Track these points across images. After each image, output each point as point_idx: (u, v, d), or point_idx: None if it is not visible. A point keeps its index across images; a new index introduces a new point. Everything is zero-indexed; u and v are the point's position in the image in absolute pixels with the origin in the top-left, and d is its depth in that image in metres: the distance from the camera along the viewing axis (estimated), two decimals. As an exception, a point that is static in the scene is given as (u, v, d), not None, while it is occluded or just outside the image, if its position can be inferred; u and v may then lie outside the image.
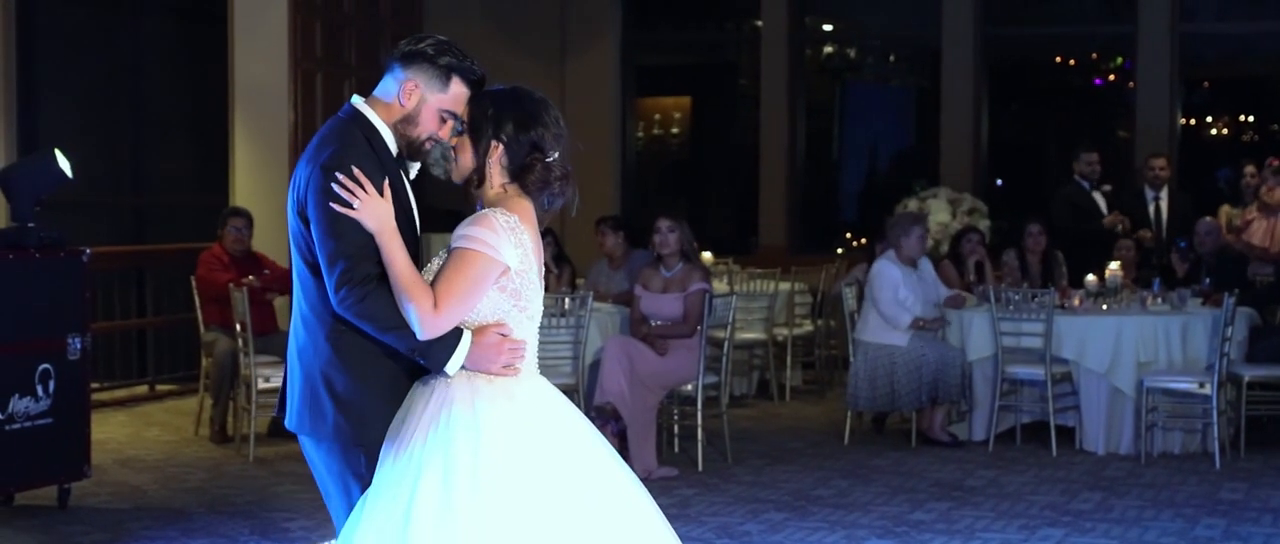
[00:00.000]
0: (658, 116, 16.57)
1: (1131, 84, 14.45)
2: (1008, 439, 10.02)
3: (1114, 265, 10.56)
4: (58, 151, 7.96)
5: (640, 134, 16.10)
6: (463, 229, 3.96)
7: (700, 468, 9.12)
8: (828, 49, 16.38)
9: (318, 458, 4.23)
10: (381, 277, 3.98)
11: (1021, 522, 7.82)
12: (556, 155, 4.09)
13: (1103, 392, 9.74)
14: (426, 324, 3.90)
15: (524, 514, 3.80)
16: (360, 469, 4.11)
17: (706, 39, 16.75)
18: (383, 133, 4.19)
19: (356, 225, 3.97)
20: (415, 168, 4.31)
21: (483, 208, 4.05)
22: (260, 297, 10.14)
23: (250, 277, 10.16)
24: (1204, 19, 14.65)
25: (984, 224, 12.66)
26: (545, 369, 9.53)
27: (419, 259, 4.20)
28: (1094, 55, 15.73)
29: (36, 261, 7.85)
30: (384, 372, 4.09)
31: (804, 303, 12.63)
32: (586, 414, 9.10)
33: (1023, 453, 9.74)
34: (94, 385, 9.14)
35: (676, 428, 9.72)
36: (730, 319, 9.56)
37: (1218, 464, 9.27)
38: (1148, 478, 8.98)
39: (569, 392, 9.17)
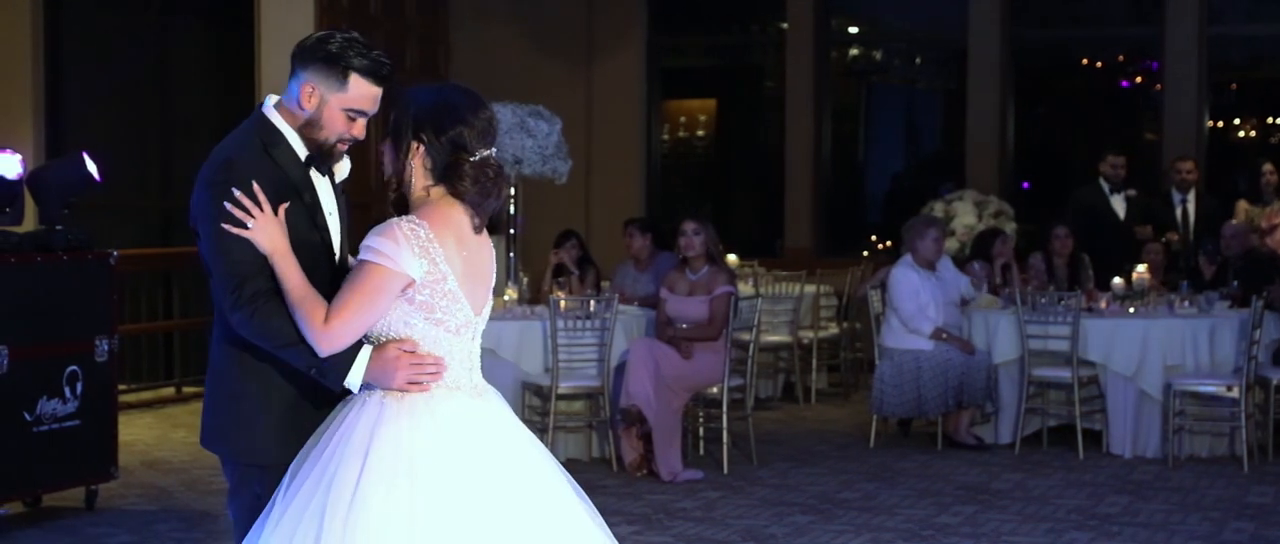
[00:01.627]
0: (683, 119, 16.56)
1: (1159, 86, 14.39)
2: (1034, 442, 10.00)
3: (1141, 268, 10.53)
4: (86, 154, 7.99)
5: (666, 136, 16.10)
6: (367, 239, 3.79)
7: (725, 471, 9.11)
8: (853, 51, 16.35)
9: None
10: (275, 291, 3.83)
11: (1048, 525, 7.79)
12: (487, 153, 3.90)
13: (1130, 395, 9.71)
14: (320, 339, 3.74)
15: None
16: (256, 488, 4.01)
17: (732, 41, 16.73)
18: (289, 138, 4.03)
19: (241, 245, 3.83)
20: (344, 169, 4.15)
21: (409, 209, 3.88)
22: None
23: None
24: (1232, 21, 14.57)
25: (1010, 227, 12.63)
26: (571, 371, 9.54)
27: (345, 263, 4.10)
28: (1121, 57, 15.67)
29: (64, 264, 7.89)
30: (282, 394, 3.98)
31: (829, 305, 12.62)
32: (612, 417, 9.15)
33: (1049, 456, 9.72)
34: (121, 387, 9.18)
35: (702, 430, 9.71)
36: (755, 322, 9.55)
37: (1246, 468, 9.23)
38: (1175, 481, 8.95)
39: (594, 394, 9.19)
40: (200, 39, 14.49)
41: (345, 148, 4.07)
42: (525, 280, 10.52)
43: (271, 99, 4.10)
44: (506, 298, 10.06)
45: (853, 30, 16.12)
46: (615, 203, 14.33)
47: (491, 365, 9.29)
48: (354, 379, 3.84)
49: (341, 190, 4.21)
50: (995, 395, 9.99)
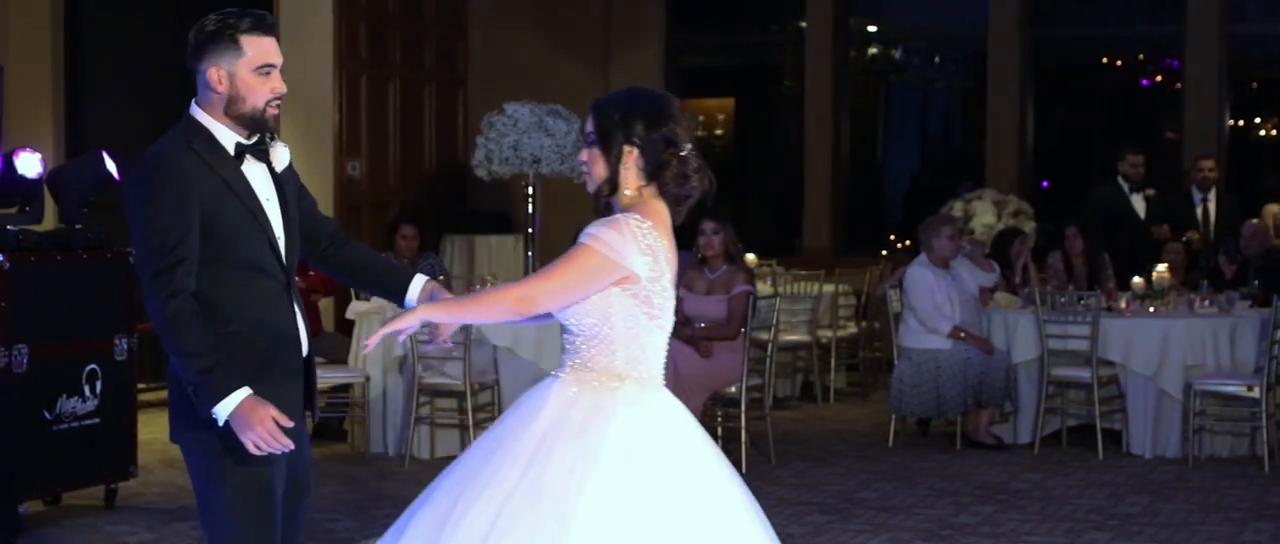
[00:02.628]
0: (702, 118, 16.54)
1: (1179, 85, 14.35)
2: (1053, 442, 9.97)
3: (1161, 267, 10.50)
4: (105, 153, 8.01)
5: (684, 136, 16.07)
6: (592, 227, 3.88)
7: (744, 470, 9.09)
8: (872, 50, 16.33)
9: None
10: (194, 293, 3.98)
11: (1067, 525, 7.77)
12: (689, 147, 3.99)
13: (1150, 394, 9.68)
14: (518, 305, 3.85)
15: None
16: (221, 475, 4.15)
17: (750, 41, 16.71)
18: (214, 130, 4.14)
19: (163, 232, 3.97)
20: (283, 158, 4.22)
21: (614, 212, 3.95)
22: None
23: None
24: (1252, 20, 14.53)
25: (1029, 226, 12.60)
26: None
27: (291, 246, 4.17)
28: (1141, 56, 15.63)
29: (84, 263, 7.90)
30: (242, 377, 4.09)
31: (848, 305, 12.60)
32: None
33: (1069, 456, 9.69)
34: (140, 386, 9.19)
35: (720, 430, 9.70)
36: (774, 321, 9.54)
37: (1267, 468, 9.20)
38: (1195, 481, 8.92)
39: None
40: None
41: (277, 111, 4.15)
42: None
43: (193, 103, 4.22)
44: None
45: (872, 29, 16.10)
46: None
47: (511, 363, 9.34)
48: (221, 411, 3.97)
49: (283, 179, 4.25)
50: (1014, 395, 9.97)
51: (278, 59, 4.16)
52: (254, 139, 4.18)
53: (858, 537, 7.54)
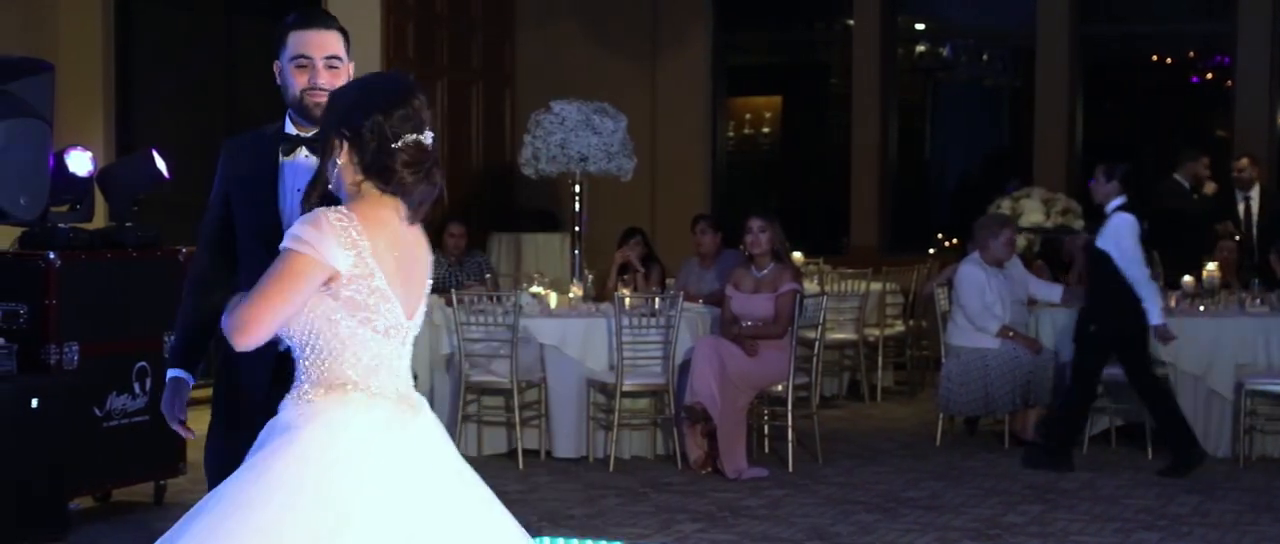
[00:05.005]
0: (748, 116, 16.53)
1: (1229, 82, 14.24)
2: (1102, 441, 9.91)
3: (1211, 266, 10.42)
4: (155, 152, 8.06)
5: (731, 134, 16.07)
6: (291, 228, 3.45)
7: (790, 469, 9.09)
8: (920, 48, 16.27)
9: None
10: (197, 262, 4.64)
11: (1116, 525, 7.73)
12: (412, 140, 3.49)
13: (1200, 394, 9.61)
14: (228, 328, 3.41)
15: None
16: None
17: (798, 38, 16.68)
18: (286, 123, 4.35)
19: (207, 220, 4.53)
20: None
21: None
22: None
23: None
24: (1305, 15, 14.41)
25: (1078, 224, 12.53)
26: (636, 369, 9.50)
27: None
28: (1191, 53, 15.52)
29: (134, 260, 7.95)
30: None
31: (895, 303, 12.57)
32: (676, 414, 9.13)
33: (1118, 455, 9.64)
34: (190, 383, 9.26)
35: (767, 428, 9.69)
36: (821, 319, 9.52)
37: (1318, 468, 9.13)
38: (1246, 482, 8.86)
39: (659, 392, 9.19)
40: (267, 38, 14.55)
41: (317, 99, 4.20)
42: (590, 278, 10.53)
43: None
44: (572, 296, 10.08)
45: (920, 27, 16.03)
46: (680, 200, 14.31)
47: (558, 361, 9.35)
48: (168, 376, 4.63)
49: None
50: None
51: (311, 51, 4.28)
52: (312, 131, 4.21)
53: (905, 535, 7.52)
